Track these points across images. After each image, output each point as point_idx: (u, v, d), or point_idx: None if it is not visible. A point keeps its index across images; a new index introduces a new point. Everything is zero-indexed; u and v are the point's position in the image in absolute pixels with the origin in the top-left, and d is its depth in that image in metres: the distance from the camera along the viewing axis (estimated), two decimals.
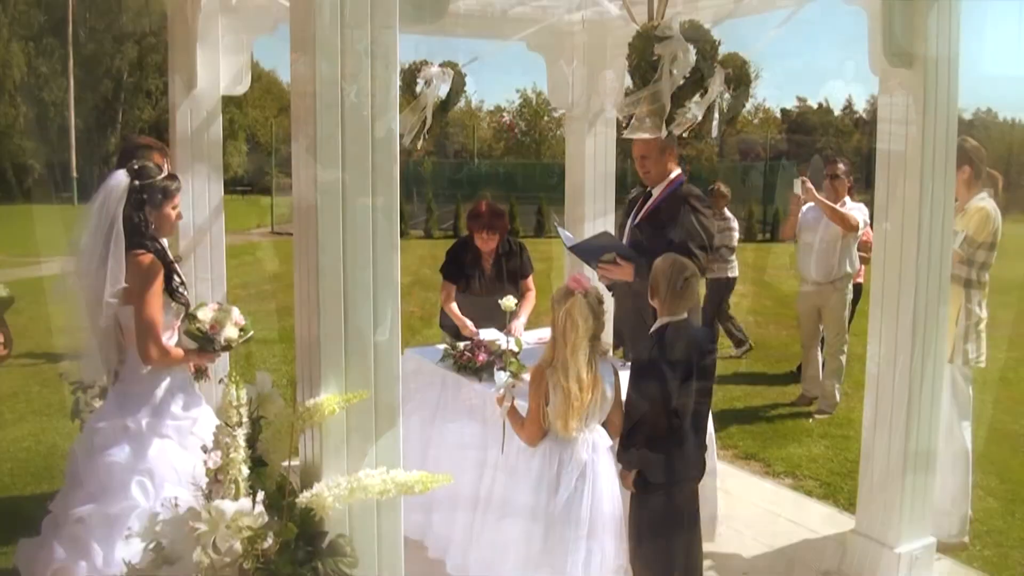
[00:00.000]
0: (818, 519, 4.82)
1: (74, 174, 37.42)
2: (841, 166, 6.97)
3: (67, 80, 35.47)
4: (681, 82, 3.21)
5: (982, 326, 4.56)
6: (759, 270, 17.16)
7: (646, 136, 3.36)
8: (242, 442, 2.57)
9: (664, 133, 3.29)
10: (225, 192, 5.05)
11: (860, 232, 6.78)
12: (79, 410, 4.04)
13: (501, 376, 3.48)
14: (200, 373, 3.73)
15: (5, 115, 36.23)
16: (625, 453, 3.42)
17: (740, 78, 4.05)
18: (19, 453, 5.85)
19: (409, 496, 2.57)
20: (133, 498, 3.26)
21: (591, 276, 4.20)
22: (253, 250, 19.72)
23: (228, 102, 5.03)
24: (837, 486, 5.39)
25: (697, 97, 3.42)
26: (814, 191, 6.70)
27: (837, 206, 6.71)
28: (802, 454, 6.03)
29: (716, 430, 6.42)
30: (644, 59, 3.18)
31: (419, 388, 4.60)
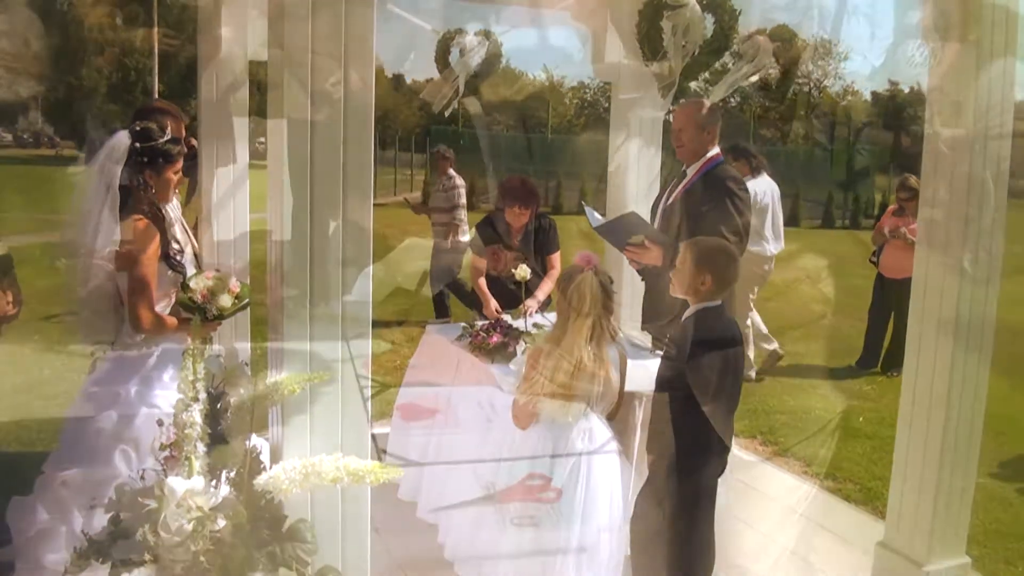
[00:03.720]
0: (850, 526, 4.54)
1: None
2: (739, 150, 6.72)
3: (150, 44, 36.23)
4: (696, 52, 2.96)
5: None
6: (834, 257, 16.45)
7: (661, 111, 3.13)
8: (198, 418, 2.46)
9: (667, 107, 3.06)
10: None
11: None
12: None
13: (521, 360, 3.36)
14: (204, 343, 3.65)
15: (90, 78, 37.33)
16: (651, 438, 3.29)
17: (789, 52, 3.77)
18: (52, 409, 5.92)
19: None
20: (115, 467, 3.22)
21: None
22: None
23: (257, 68, 4.90)
24: (877, 491, 5.06)
25: (729, 66, 3.17)
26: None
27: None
28: (845, 454, 5.70)
29: (758, 425, 6.18)
30: (653, 28, 2.94)
31: (434, 365, 4.49)
